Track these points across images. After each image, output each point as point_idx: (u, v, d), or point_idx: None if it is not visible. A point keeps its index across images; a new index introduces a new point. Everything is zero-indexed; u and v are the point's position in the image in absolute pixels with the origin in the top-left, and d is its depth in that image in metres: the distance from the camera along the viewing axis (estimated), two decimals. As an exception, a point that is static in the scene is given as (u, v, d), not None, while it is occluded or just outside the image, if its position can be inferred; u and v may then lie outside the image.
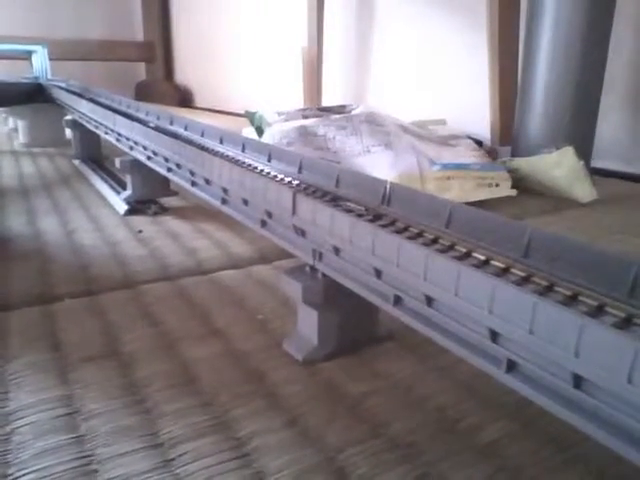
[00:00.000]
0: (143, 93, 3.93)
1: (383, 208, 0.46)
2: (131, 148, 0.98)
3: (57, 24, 3.77)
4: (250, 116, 1.46)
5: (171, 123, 0.95)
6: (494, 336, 0.31)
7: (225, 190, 0.64)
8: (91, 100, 1.36)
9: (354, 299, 0.46)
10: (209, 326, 0.58)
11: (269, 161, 0.64)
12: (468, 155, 1.22)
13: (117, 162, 1.00)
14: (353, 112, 1.32)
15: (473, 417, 0.43)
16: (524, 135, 1.33)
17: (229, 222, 0.90)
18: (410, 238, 0.39)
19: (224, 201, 0.67)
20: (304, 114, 1.36)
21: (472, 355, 0.33)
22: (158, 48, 4.04)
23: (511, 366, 0.31)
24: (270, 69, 2.84)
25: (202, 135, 0.82)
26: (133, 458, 0.38)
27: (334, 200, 0.49)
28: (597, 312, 0.28)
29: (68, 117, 1.53)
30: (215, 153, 0.70)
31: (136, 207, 1.01)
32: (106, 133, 1.15)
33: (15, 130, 1.96)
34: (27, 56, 2.20)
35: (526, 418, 0.42)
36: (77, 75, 2.55)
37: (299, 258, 0.52)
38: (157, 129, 0.90)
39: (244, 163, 0.64)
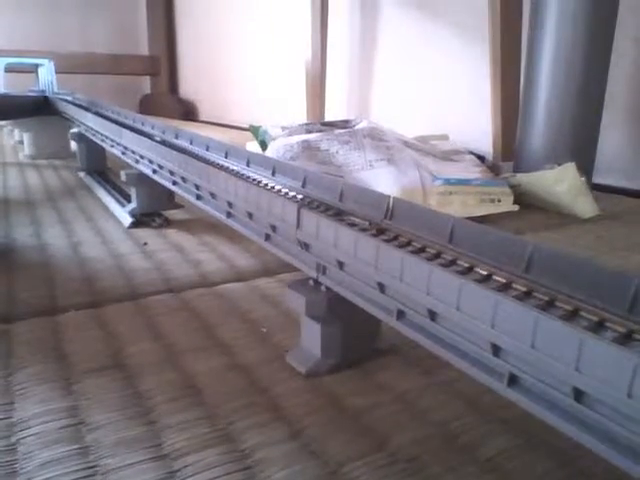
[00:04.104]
0: (147, 106, 3.97)
1: (386, 223, 0.47)
2: (137, 161, 0.99)
3: (63, 38, 3.81)
4: (254, 130, 1.47)
5: (176, 137, 0.96)
6: (496, 350, 0.32)
7: (230, 204, 0.65)
8: (97, 113, 1.37)
9: (357, 313, 0.46)
10: (213, 338, 0.58)
11: (273, 175, 0.65)
12: (470, 170, 1.23)
13: (122, 175, 1.01)
14: (356, 127, 1.33)
15: (475, 431, 0.43)
16: (526, 151, 1.34)
17: (233, 235, 0.90)
18: (413, 253, 0.39)
19: (229, 215, 0.67)
20: (307, 129, 1.37)
21: (474, 369, 0.34)
22: (163, 62, 4.08)
23: (513, 380, 0.31)
24: (274, 83, 2.86)
25: (207, 149, 0.83)
26: (138, 469, 0.38)
27: (338, 214, 0.49)
28: (597, 327, 0.29)
29: (74, 130, 1.55)
30: (220, 167, 0.71)
31: (141, 220, 1.02)
32: (112, 146, 1.16)
33: (21, 142, 1.97)
34: (34, 69, 2.22)
35: (528, 432, 0.42)
36: (82, 88, 2.57)
37: (303, 272, 0.53)
38: (163, 143, 0.91)
39: (249, 177, 0.64)
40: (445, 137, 1.55)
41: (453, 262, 0.38)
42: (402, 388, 0.49)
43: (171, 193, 1.00)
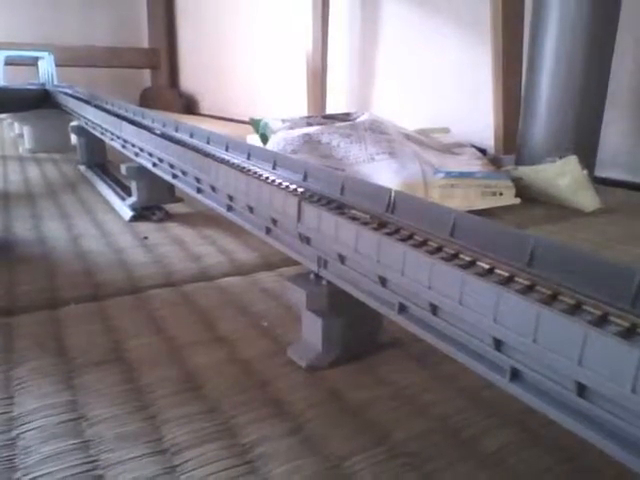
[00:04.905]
0: (148, 100, 3.96)
1: (388, 216, 0.47)
2: (137, 155, 0.99)
3: (63, 31, 3.80)
4: (255, 123, 1.46)
5: (177, 130, 0.96)
6: (498, 344, 0.32)
7: (231, 197, 0.64)
8: (97, 107, 1.36)
9: (358, 306, 0.46)
10: (213, 332, 0.58)
11: (274, 168, 0.64)
12: (472, 163, 1.23)
13: (123, 168, 1.01)
14: (357, 120, 1.32)
15: (477, 425, 0.43)
16: (528, 144, 1.34)
17: (234, 229, 0.90)
18: (415, 246, 0.39)
19: (229, 208, 0.67)
20: (308, 122, 1.37)
21: (476, 363, 0.34)
22: (163, 55, 4.06)
23: (515, 374, 0.31)
24: (275, 76, 2.85)
25: (208, 142, 0.83)
26: (138, 464, 0.38)
27: (339, 208, 0.49)
28: (600, 321, 0.28)
29: (74, 123, 1.54)
30: (221, 160, 0.71)
31: (141, 213, 1.02)
32: (112, 139, 1.16)
33: (21, 136, 1.97)
34: (34, 62, 2.22)
35: (530, 427, 0.42)
36: (82, 81, 2.56)
37: (304, 265, 0.52)
38: (163, 136, 0.91)
39: (250, 170, 0.64)
40: (446, 130, 1.55)
41: (455, 256, 0.38)
42: (403, 382, 0.49)
43: (171, 186, 0.99)
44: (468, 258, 0.37)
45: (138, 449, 0.39)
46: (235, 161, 0.70)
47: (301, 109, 2.30)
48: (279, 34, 2.78)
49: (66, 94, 1.71)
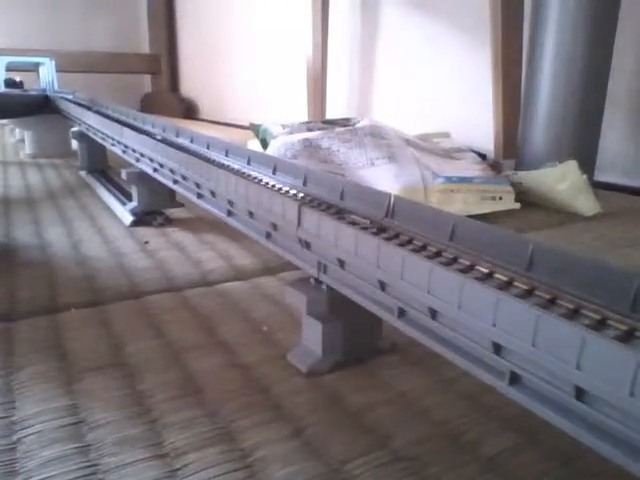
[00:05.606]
0: (148, 105, 3.96)
1: (387, 221, 0.47)
2: (137, 160, 0.99)
3: (64, 36, 3.81)
4: (255, 129, 1.47)
5: (177, 135, 0.96)
6: (497, 349, 0.32)
7: (231, 202, 0.65)
8: (98, 112, 1.37)
9: (358, 311, 0.46)
10: (214, 337, 0.58)
11: (274, 174, 0.65)
12: (472, 168, 1.23)
13: (123, 174, 1.01)
14: (357, 125, 1.32)
15: (477, 429, 0.43)
16: (528, 148, 1.34)
17: (234, 234, 0.90)
18: (414, 251, 0.39)
19: (230, 213, 0.67)
20: (308, 127, 1.37)
21: (475, 367, 0.34)
22: (164, 60, 4.07)
23: (514, 378, 0.31)
24: (275, 82, 2.86)
25: (208, 147, 0.83)
26: (138, 468, 0.38)
27: (339, 213, 0.49)
28: (599, 325, 0.28)
29: (75, 129, 1.55)
30: (221, 165, 0.71)
31: (142, 218, 1.02)
32: (113, 145, 1.16)
33: (22, 141, 1.98)
34: (34, 68, 2.22)
35: (529, 430, 0.42)
36: (83, 87, 2.57)
37: (304, 270, 0.53)
38: (164, 141, 0.91)
39: (250, 176, 0.64)
40: (446, 135, 1.55)
41: (454, 260, 0.38)
42: (403, 387, 0.49)
43: (172, 192, 0.99)
44: (467, 262, 0.37)
45: (138, 453, 0.39)
46: (235, 166, 0.71)
47: (301, 114, 2.30)
48: (279, 39, 2.79)
49: (67, 100, 1.72)
